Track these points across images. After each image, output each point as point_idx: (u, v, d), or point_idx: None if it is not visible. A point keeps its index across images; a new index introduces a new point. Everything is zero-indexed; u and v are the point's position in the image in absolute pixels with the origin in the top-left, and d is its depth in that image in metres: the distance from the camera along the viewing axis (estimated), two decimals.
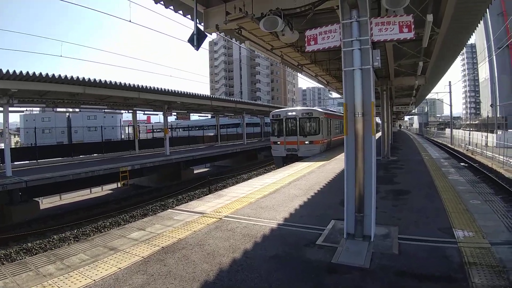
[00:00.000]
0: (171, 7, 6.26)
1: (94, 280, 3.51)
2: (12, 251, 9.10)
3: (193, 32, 5.56)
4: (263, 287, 3.24)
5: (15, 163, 17.40)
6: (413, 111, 52.38)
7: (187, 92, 21.95)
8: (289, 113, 18.69)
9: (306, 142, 17.79)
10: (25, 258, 8.15)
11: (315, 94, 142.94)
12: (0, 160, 15.62)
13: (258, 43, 7.48)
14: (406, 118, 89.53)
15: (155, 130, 38.18)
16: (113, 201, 15.72)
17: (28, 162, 18.56)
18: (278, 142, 18.71)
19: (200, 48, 5.77)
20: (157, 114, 26.32)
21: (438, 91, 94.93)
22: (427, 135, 56.08)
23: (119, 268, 3.80)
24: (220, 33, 6.84)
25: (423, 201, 6.37)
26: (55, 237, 10.11)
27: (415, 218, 5.21)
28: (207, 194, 9.22)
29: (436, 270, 3.40)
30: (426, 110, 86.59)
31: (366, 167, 4.23)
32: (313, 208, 6.32)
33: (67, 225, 11.38)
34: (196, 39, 5.56)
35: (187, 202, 9.75)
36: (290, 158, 17.57)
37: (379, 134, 19.27)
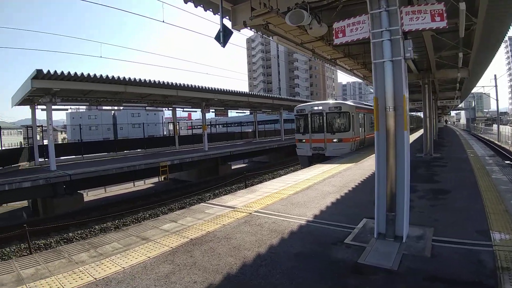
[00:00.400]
0: (201, 6, 6.37)
1: (123, 267, 3.67)
2: (52, 241, 9.72)
3: (219, 29, 5.62)
4: (284, 283, 3.20)
5: (61, 157, 18.75)
6: (459, 105, 49.27)
7: (223, 89, 22.30)
8: (315, 108, 16.64)
9: (334, 140, 15.78)
10: (59, 246, 8.73)
11: (355, 89, 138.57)
12: (46, 155, 16.75)
13: (287, 37, 7.37)
14: (453, 113, 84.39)
15: (195, 127, 39.21)
16: (153, 194, 16.42)
17: (74, 157, 19.89)
18: (303, 140, 16.91)
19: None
20: (196, 111, 27.05)
21: (484, 85, 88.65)
22: (475, 131, 52.37)
23: (148, 257, 3.95)
24: (251, 29, 6.84)
25: (463, 202, 5.95)
26: (96, 227, 10.74)
27: (453, 219, 4.88)
28: (243, 189, 9.32)
29: (467, 275, 3.17)
30: (473, 105, 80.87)
31: (398, 164, 4.03)
32: (345, 205, 6.15)
33: (109, 215, 12.03)
34: (222, 36, 5.61)
35: (222, 196, 9.93)
36: (317, 158, 15.86)
37: (421, 131, 18.29)
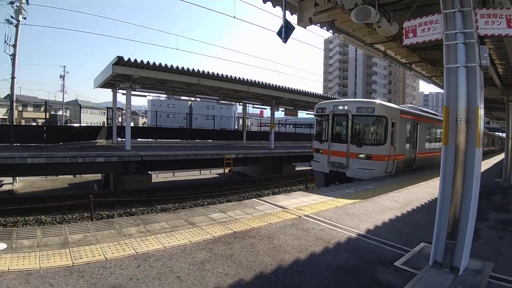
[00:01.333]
0: (269, 1, 6.38)
1: (165, 246, 3.87)
2: (115, 213, 10.67)
3: (282, 24, 5.57)
4: None
5: (138, 139, 20.58)
6: None
7: (294, 89, 22.13)
8: (339, 107, 12.20)
9: (361, 156, 11.27)
10: (113, 218, 9.44)
11: (438, 100, 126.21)
12: (123, 135, 18.36)
13: (354, 36, 6.94)
14: None
15: (265, 124, 39.79)
16: (216, 184, 17.08)
17: (149, 140, 21.67)
18: (320, 151, 12.60)
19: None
20: (266, 108, 27.35)
21: None
22: None
23: (190, 241, 4.10)
24: (321, 27, 6.63)
25: None
26: (158, 207, 11.51)
27: None
28: (299, 191, 9.09)
29: None
30: None
31: (466, 186, 3.55)
32: (404, 225, 5.64)
33: (172, 198, 12.80)
34: (284, 32, 5.56)
35: (276, 195, 9.83)
36: (334, 178, 11.94)
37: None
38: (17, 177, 16.55)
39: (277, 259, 3.75)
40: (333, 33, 7.64)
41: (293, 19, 6.40)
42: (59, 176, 17.59)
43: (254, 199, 7.00)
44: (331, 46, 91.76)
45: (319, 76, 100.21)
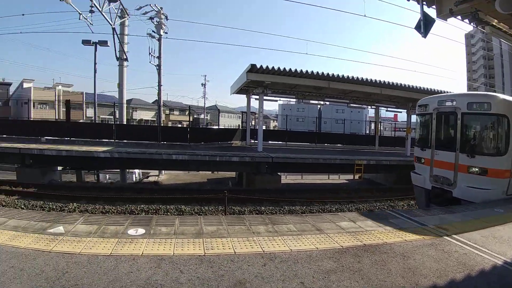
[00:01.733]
0: None
1: (291, 249, 3.88)
2: (246, 210, 11.31)
3: (420, 18, 4.95)
4: None
5: (269, 142, 21.85)
6: None
7: (433, 89, 19.39)
8: (446, 103, 9.09)
9: (474, 170, 8.15)
10: (244, 215, 9.94)
11: None
12: (256, 137, 19.62)
13: (502, 28, 5.59)
14: None
15: (400, 129, 36.93)
16: (344, 190, 16.50)
17: (279, 142, 22.72)
18: (422, 160, 9.84)
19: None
20: (401, 112, 25.21)
21: None
22: None
23: (317, 248, 4.01)
24: (463, 19, 5.63)
25: None
26: (286, 208, 11.79)
27: None
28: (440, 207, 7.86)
29: None
30: None
31: None
32: None
33: (299, 200, 12.96)
34: (423, 25, 4.93)
35: (413, 209, 8.79)
36: (436, 197, 9.03)
37: None
38: (163, 170, 19.57)
39: (412, 282, 3.32)
40: (476, 26, 6.42)
41: (430, 12, 5.63)
42: (199, 171, 20.06)
43: (387, 211, 6.47)
44: (473, 41, 77.49)
45: (462, 75, 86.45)
